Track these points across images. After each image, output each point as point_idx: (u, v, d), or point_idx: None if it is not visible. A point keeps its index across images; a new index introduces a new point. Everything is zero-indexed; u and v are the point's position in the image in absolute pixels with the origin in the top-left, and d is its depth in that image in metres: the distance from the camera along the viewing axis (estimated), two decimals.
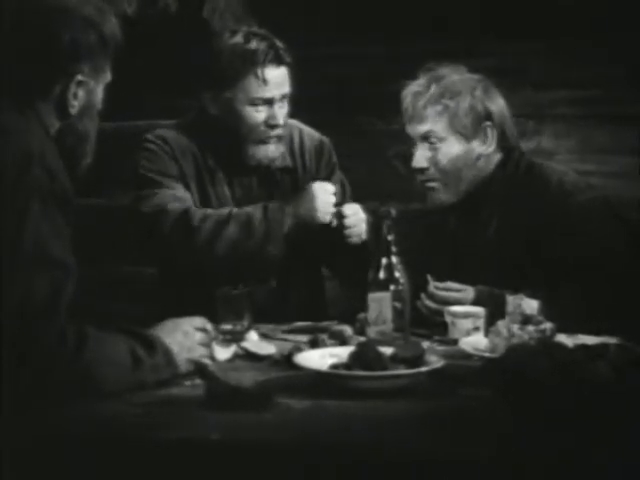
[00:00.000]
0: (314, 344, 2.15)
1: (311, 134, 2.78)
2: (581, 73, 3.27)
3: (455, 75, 2.54)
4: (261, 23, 2.73)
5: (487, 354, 2.02)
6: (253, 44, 2.53)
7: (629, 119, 3.27)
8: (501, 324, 2.06)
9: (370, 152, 3.38)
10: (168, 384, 1.85)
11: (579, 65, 3.26)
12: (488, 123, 2.52)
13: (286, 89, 2.57)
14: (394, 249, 2.17)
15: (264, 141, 2.59)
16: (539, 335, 2.01)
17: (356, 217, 2.53)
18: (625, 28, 3.16)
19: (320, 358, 1.95)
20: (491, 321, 2.15)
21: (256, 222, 2.48)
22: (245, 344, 2.15)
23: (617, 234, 2.43)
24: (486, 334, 2.14)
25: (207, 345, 1.97)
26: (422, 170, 2.54)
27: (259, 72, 2.52)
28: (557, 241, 2.41)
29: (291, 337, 2.32)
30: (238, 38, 2.55)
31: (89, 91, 1.86)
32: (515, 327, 2.03)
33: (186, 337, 1.92)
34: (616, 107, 3.30)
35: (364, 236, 2.54)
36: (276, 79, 2.55)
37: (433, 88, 2.51)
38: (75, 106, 1.85)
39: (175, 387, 1.85)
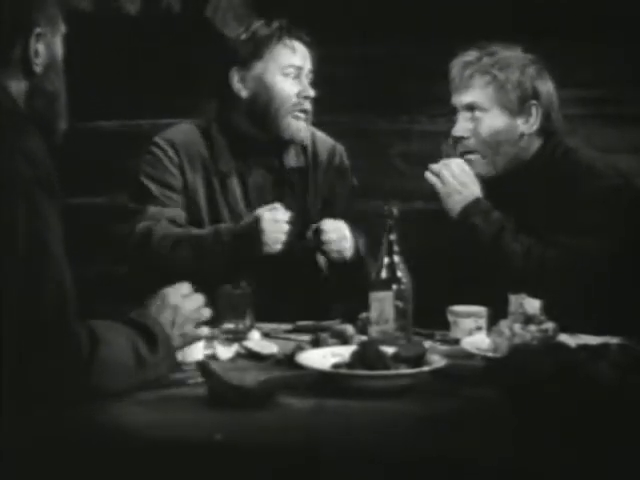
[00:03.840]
0: (316, 343, 2.15)
1: (323, 138, 2.80)
2: (586, 73, 3.26)
3: (508, 52, 2.56)
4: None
5: (489, 354, 2.02)
6: (274, 24, 2.64)
7: (635, 119, 3.27)
8: (503, 324, 2.06)
9: (372, 151, 3.38)
10: (168, 379, 1.84)
11: (584, 65, 3.26)
12: (534, 102, 2.53)
13: (310, 65, 2.65)
14: (396, 248, 2.17)
15: (296, 116, 2.63)
16: (541, 335, 2.01)
17: (337, 233, 2.53)
18: (629, 28, 3.15)
19: (322, 357, 1.95)
20: (493, 320, 2.15)
21: (207, 246, 2.49)
22: (247, 343, 2.15)
23: (628, 224, 2.41)
24: (488, 333, 2.14)
25: (198, 313, 1.91)
26: (461, 139, 2.56)
27: (287, 41, 2.62)
28: (573, 225, 2.39)
29: (293, 336, 2.32)
30: (257, 25, 2.65)
31: (48, 44, 1.81)
32: (517, 327, 2.02)
33: (176, 313, 1.86)
34: (622, 107, 3.29)
35: (348, 253, 2.54)
36: (302, 52, 2.65)
37: (484, 59, 2.53)
38: (39, 64, 1.80)
39: (177, 386, 1.85)
